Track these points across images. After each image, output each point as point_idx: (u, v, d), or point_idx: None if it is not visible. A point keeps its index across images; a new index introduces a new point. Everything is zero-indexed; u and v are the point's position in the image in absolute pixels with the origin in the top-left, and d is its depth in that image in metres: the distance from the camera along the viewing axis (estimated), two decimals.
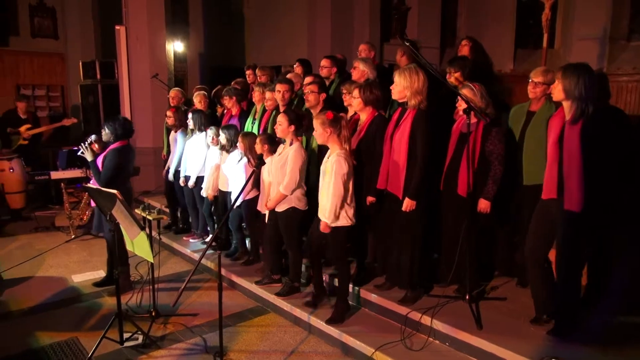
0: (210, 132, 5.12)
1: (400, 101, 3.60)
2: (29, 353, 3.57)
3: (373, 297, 3.86)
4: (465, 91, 3.46)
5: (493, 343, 3.07)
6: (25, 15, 9.94)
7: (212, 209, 5.32)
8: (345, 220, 3.54)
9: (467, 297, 3.44)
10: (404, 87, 3.44)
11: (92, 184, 4.33)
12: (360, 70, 4.43)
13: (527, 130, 3.53)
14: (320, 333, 3.76)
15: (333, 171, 3.46)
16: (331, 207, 3.47)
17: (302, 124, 4.09)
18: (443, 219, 3.70)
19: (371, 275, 4.11)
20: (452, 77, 3.89)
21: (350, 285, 3.95)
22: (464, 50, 4.53)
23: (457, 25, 10.38)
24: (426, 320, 3.43)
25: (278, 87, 4.56)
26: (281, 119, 3.97)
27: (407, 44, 3.59)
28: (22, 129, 7.52)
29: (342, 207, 3.51)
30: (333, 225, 3.55)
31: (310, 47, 8.78)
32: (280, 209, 4.02)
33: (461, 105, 3.44)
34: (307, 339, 3.79)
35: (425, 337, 3.42)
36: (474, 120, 3.36)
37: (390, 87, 3.58)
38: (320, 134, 3.53)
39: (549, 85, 3.28)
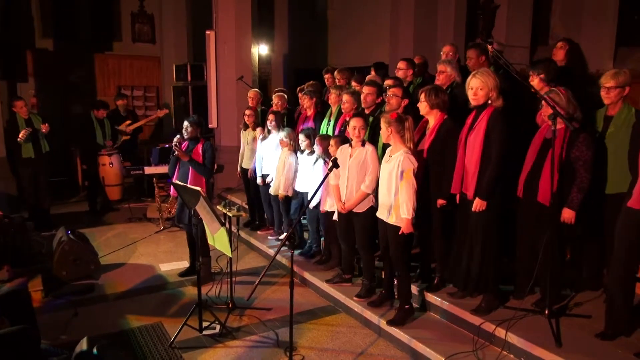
0: (282, 133, 5.25)
1: (476, 104, 3.47)
2: (121, 334, 3.90)
3: (445, 305, 3.78)
4: (551, 96, 3.28)
5: None
6: (127, 22, 10.83)
7: (281, 208, 5.48)
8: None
9: (547, 312, 3.26)
10: (490, 87, 3.36)
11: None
12: (448, 74, 4.25)
13: (607, 136, 3.35)
14: (390, 337, 3.75)
15: (400, 168, 3.51)
16: (407, 202, 3.49)
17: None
18: (520, 227, 3.55)
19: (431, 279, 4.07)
20: (535, 81, 3.67)
21: (416, 288, 3.96)
22: (560, 53, 4.19)
23: (550, 22, 9.77)
24: (500, 332, 3.30)
25: (364, 89, 4.50)
26: (358, 122, 3.98)
27: (490, 46, 3.48)
28: (123, 126, 8.18)
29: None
30: (396, 224, 3.58)
31: (392, 48, 8.67)
32: (360, 209, 4.05)
33: (547, 110, 3.26)
34: (377, 341, 3.79)
35: (499, 350, 3.30)
36: (560, 126, 3.21)
37: (473, 94, 3.44)
38: (383, 132, 3.67)
39: (623, 88, 3.20)
